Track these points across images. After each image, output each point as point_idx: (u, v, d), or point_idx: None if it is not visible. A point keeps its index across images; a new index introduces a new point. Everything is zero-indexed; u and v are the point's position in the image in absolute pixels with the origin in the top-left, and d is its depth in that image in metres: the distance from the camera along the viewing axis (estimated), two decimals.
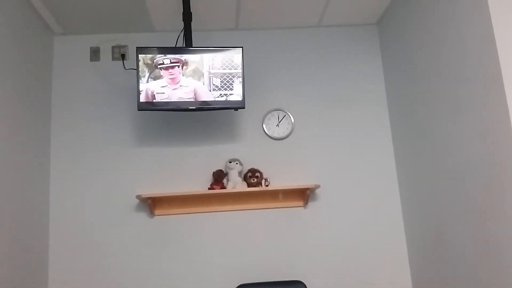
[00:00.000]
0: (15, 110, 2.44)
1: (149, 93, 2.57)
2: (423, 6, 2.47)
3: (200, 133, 2.96)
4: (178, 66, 2.59)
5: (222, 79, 2.62)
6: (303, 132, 3.00)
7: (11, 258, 2.32)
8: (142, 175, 2.89)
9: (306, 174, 2.94)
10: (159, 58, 2.58)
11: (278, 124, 2.99)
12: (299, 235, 2.87)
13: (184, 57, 2.60)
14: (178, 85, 2.59)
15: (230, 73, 2.63)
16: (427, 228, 2.57)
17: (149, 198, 2.71)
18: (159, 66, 2.58)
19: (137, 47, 2.60)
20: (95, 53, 3.03)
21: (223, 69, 2.63)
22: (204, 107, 2.61)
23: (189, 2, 2.71)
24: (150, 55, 2.59)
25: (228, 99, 2.62)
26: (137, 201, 2.85)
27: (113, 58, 3.02)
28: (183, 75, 2.59)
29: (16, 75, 2.48)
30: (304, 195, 2.85)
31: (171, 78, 2.58)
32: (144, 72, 2.58)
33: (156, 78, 2.58)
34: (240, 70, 2.63)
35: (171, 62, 2.58)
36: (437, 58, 2.34)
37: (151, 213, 2.83)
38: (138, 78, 2.58)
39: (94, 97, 2.97)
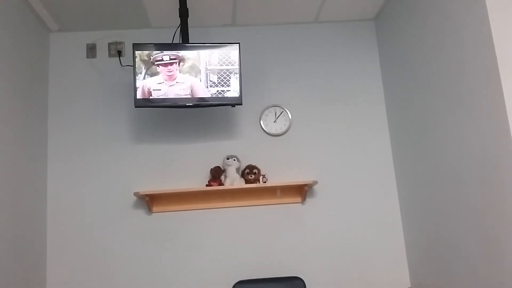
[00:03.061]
0: (11, 108, 2.43)
1: (146, 89, 2.56)
2: (420, 1, 2.46)
3: (198, 129, 2.96)
4: (176, 63, 2.58)
5: (219, 75, 2.61)
6: (300, 128, 2.99)
7: (9, 256, 2.32)
8: (140, 172, 2.88)
9: (304, 170, 2.94)
10: (158, 54, 2.57)
11: (275, 121, 2.98)
12: (297, 232, 2.87)
13: (180, 53, 2.59)
14: (174, 82, 2.58)
15: (227, 69, 2.62)
16: (425, 225, 2.57)
17: (146, 195, 2.70)
18: (156, 63, 2.57)
19: (133, 44, 2.59)
20: (91, 50, 3.02)
21: (220, 65, 2.62)
22: (201, 104, 2.60)
23: None
24: (147, 52, 2.57)
25: (225, 96, 2.61)
26: (134, 198, 2.85)
27: (110, 55, 3.01)
28: (179, 72, 2.58)
29: (12, 73, 2.47)
30: (302, 191, 2.85)
31: (168, 75, 2.57)
32: (141, 68, 2.57)
33: (152, 74, 2.57)
34: (237, 66, 2.63)
35: (170, 59, 2.57)
36: (435, 54, 2.34)
37: (149, 210, 2.82)
38: (134, 74, 2.56)
39: (90, 94, 2.96)
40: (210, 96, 2.60)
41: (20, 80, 2.55)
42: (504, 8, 1.85)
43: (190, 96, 2.59)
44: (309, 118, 3.01)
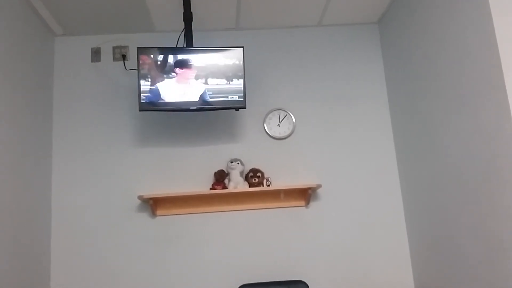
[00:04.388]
0: (16, 112, 2.45)
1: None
2: (423, 4, 2.46)
3: (202, 133, 2.96)
4: (181, 68, 2.59)
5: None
6: (304, 131, 2.99)
7: (13, 258, 2.33)
8: (144, 175, 2.89)
9: (308, 173, 2.94)
10: (162, 60, 2.58)
11: (279, 124, 2.99)
12: (301, 235, 2.86)
13: (186, 58, 2.60)
14: (179, 85, 2.59)
15: (231, 73, 2.63)
16: (429, 227, 2.56)
17: (150, 198, 2.71)
18: (160, 68, 2.57)
19: (138, 48, 2.60)
20: (96, 54, 3.03)
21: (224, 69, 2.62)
22: (205, 107, 2.61)
23: (190, 2, 2.71)
24: (151, 56, 2.58)
25: (229, 99, 2.62)
26: (139, 201, 2.85)
27: (114, 59, 3.02)
28: (184, 76, 2.59)
29: (17, 77, 2.48)
30: (305, 194, 2.85)
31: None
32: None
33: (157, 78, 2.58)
34: (241, 70, 2.63)
35: (175, 65, 2.57)
36: (438, 56, 2.34)
37: (153, 214, 2.83)
38: (139, 78, 2.58)
39: (95, 98, 2.98)
40: (214, 99, 2.60)
41: (25, 83, 2.57)
42: (507, 10, 1.85)
43: (194, 100, 2.59)
44: (313, 122, 3.01)
